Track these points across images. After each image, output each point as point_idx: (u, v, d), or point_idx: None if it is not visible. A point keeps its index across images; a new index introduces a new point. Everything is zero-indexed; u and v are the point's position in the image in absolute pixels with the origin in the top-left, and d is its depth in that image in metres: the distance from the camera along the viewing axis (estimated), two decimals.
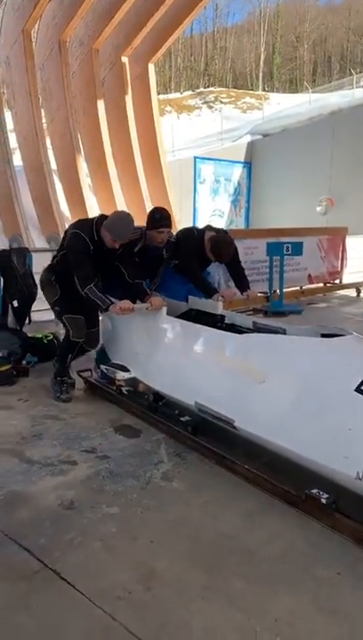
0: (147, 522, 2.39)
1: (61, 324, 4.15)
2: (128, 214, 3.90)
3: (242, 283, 4.47)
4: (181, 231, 4.56)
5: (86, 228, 3.70)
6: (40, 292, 4.39)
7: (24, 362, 4.68)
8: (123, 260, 3.87)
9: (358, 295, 9.45)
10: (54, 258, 4.05)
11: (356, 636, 1.76)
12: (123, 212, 4.04)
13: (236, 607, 1.88)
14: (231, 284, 4.85)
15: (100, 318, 4.23)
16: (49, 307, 4.23)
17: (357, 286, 9.67)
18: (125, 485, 2.70)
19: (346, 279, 9.89)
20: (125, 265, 3.87)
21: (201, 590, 1.96)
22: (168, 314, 3.70)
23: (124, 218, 3.80)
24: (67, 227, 4.13)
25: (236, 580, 2.01)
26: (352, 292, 9.56)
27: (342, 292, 9.61)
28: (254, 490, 2.63)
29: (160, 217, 3.99)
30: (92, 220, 3.76)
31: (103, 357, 4.14)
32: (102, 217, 3.74)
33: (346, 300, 9.09)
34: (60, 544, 2.21)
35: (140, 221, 4.09)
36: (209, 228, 4.43)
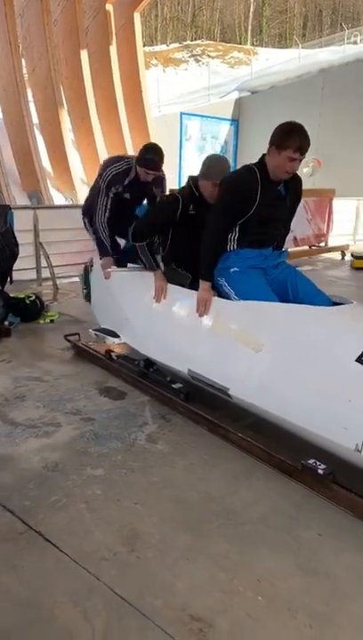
0: (131, 484, 2.40)
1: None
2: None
3: None
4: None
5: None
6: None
7: (6, 322, 4.61)
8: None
9: (343, 258, 9.45)
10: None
11: (336, 595, 1.80)
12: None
13: (219, 567, 1.90)
14: None
15: (91, 282, 4.10)
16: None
17: (342, 249, 9.66)
18: (110, 447, 2.70)
19: (332, 242, 9.87)
20: None
21: (185, 551, 1.98)
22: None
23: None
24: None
25: (220, 541, 2.03)
26: (337, 255, 9.56)
27: (327, 255, 9.61)
28: (240, 452, 2.65)
29: (151, 159, 3.61)
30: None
31: None
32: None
33: (331, 263, 9.10)
34: (45, 506, 2.22)
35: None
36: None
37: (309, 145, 2.66)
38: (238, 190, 2.77)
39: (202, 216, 2.97)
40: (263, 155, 2.79)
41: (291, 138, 2.63)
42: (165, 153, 3.69)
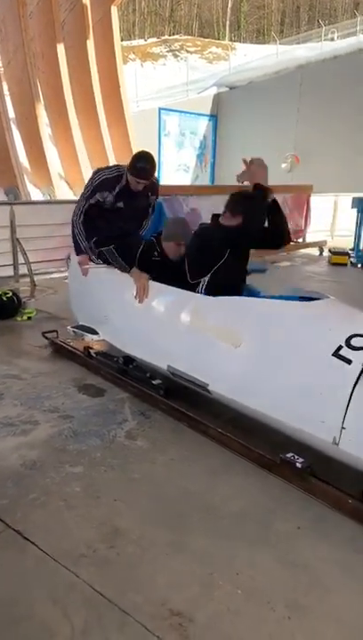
0: (111, 481, 2.39)
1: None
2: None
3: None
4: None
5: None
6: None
7: None
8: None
9: (321, 254, 9.53)
10: None
11: (314, 587, 1.82)
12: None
13: (199, 562, 1.91)
14: None
15: (68, 279, 4.06)
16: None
17: (319, 245, 9.74)
18: (89, 445, 2.69)
19: (309, 238, 9.95)
20: None
21: (165, 547, 1.98)
22: None
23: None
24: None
25: (199, 536, 2.04)
26: (315, 251, 9.63)
27: (305, 251, 9.68)
28: (219, 447, 2.66)
29: (142, 167, 3.44)
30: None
31: None
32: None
33: (309, 259, 9.16)
34: (23, 504, 2.20)
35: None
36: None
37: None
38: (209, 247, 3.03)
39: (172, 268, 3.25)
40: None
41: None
42: (144, 149, 3.62)
